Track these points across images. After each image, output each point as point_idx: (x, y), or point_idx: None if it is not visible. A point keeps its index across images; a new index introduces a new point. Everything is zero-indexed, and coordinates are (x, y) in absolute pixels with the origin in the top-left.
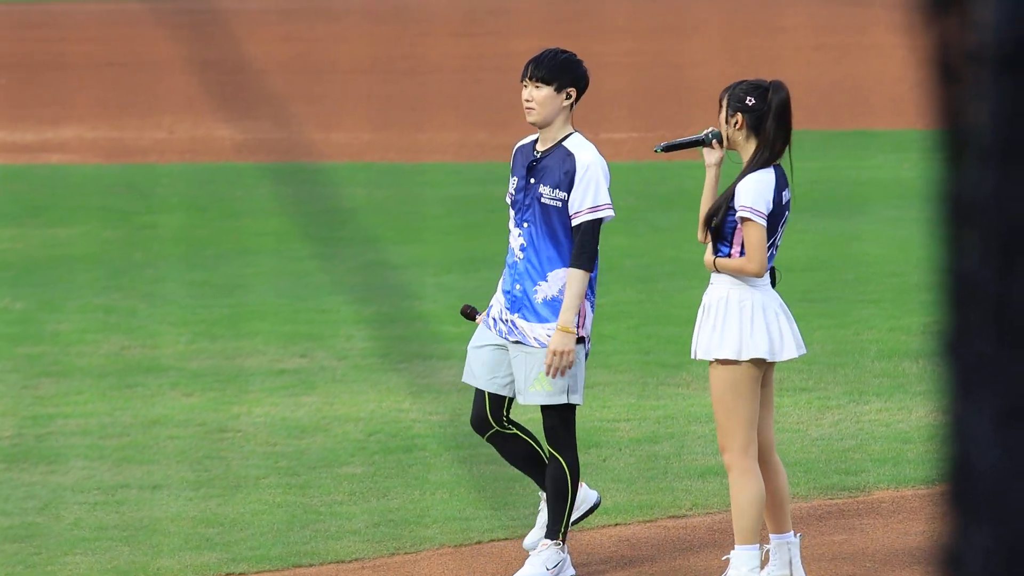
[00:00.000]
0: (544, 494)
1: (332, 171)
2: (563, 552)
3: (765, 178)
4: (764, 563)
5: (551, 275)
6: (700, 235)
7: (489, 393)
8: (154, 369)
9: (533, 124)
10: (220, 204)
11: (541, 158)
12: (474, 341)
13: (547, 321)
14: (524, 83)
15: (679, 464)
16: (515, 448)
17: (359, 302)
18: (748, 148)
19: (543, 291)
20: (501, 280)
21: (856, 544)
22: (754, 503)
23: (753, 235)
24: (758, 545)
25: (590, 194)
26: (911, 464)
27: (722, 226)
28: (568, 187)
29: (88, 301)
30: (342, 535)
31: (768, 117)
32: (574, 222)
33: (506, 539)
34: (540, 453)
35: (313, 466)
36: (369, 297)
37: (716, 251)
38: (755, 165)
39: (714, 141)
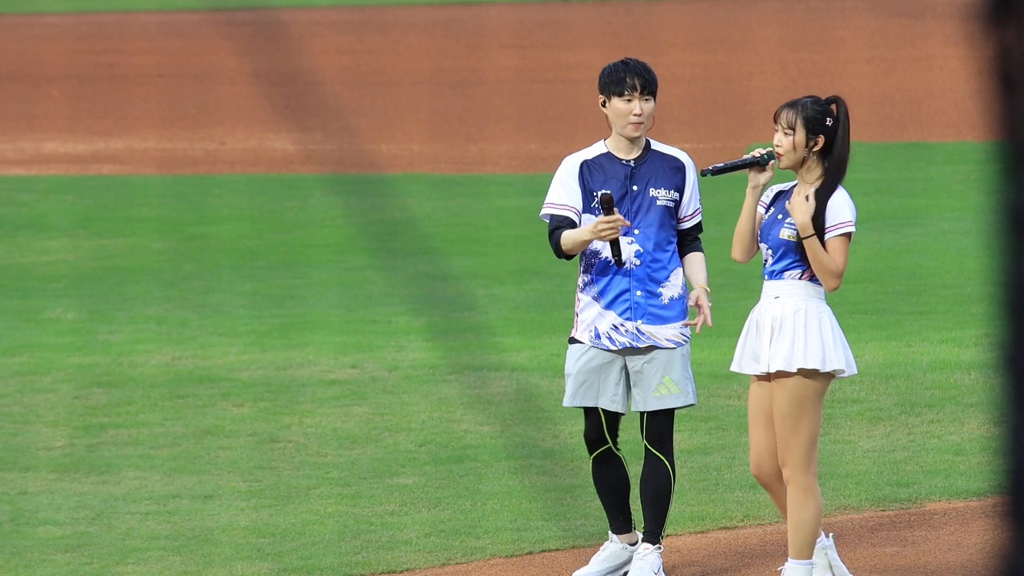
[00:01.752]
0: (614, 535)
1: (385, 182)
2: (662, 553)
3: (849, 195)
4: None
5: (673, 275)
6: (736, 253)
7: (606, 411)
8: (206, 379)
9: (635, 138)
10: (272, 215)
11: (637, 165)
12: (583, 364)
13: (676, 320)
14: (629, 96)
15: (730, 475)
16: (618, 472)
17: (411, 313)
18: (816, 168)
19: (668, 291)
20: (597, 295)
21: (908, 556)
22: (813, 519)
23: (846, 251)
24: (812, 561)
25: (696, 194)
26: (964, 476)
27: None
28: (680, 189)
29: (140, 312)
30: (394, 545)
31: (839, 134)
32: (688, 224)
33: (557, 549)
34: (628, 490)
35: (364, 476)
36: (421, 308)
37: (782, 268)
38: (835, 182)
39: (770, 162)
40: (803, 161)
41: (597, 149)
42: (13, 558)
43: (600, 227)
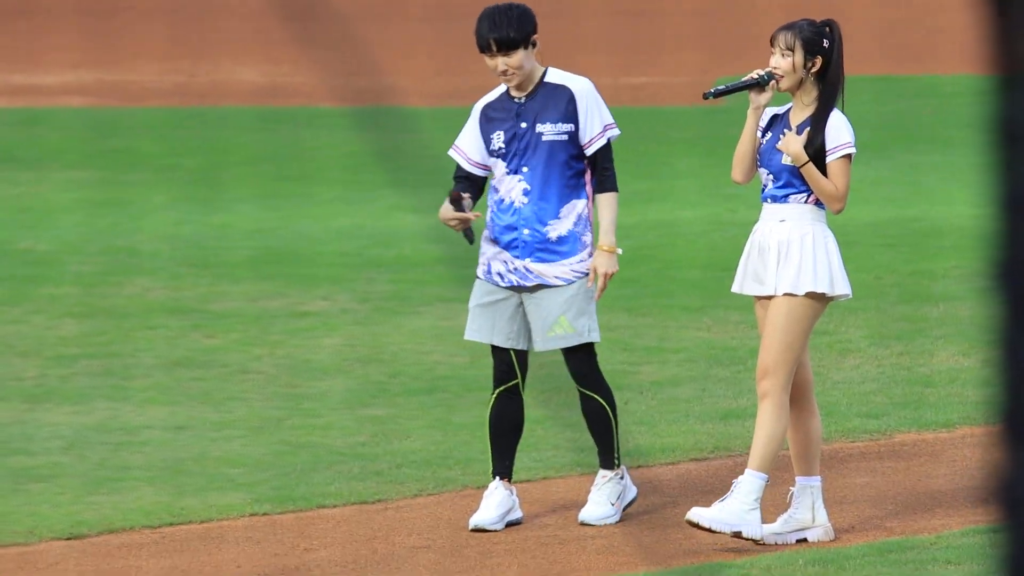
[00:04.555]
0: (499, 479)
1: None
2: (623, 479)
3: (847, 118)
4: (787, 506)
5: (563, 211)
6: (736, 175)
7: (513, 349)
8: (177, 311)
9: (518, 88)
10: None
11: (526, 102)
12: (479, 299)
13: (567, 257)
14: (489, 55)
15: (700, 407)
16: (516, 414)
17: (380, 246)
18: (813, 90)
19: (557, 228)
20: (489, 233)
21: (878, 487)
22: (781, 435)
23: (848, 172)
24: (767, 476)
25: (597, 117)
26: (932, 408)
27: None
28: (572, 118)
29: (111, 244)
30: (366, 476)
31: (834, 56)
32: (591, 149)
33: (529, 480)
34: (520, 435)
35: (336, 407)
36: (391, 240)
37: (786, 192)
38: (831, 104)
39: (770, 83)
40: (800, 83)
41: (499, 90)
42: None
43: (450, 223)
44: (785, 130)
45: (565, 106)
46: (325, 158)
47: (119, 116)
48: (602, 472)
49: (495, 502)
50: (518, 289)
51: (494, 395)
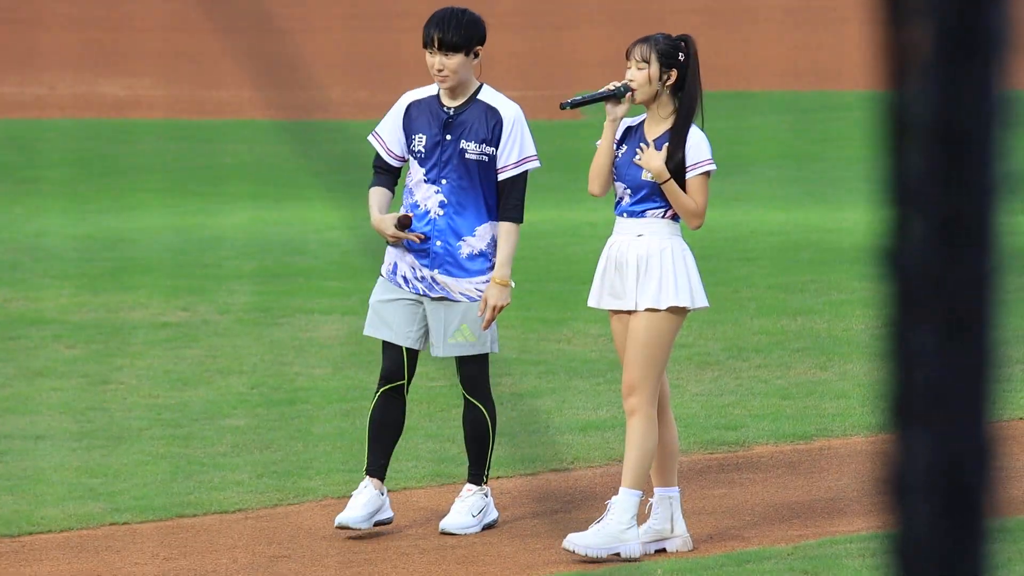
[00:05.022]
0: (370, 478)
1: (213, 128)
2: (487, 496)
3: (704, 134)
4: (645, 517)
5: (478, 230)
6: (595, 188)
7: (406, 348)
8: (38, 321)
9: (450, 94)
10: (103, 159)
11: (456, 114)
12: (380, 296)
13: (475, 275)
14: (430, 50)
15: (560, 418)
16: (398, 415)
17: (241, 257)
18: (669, 104)
19: (470, 246)
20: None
21: (736, 498)
22: (652, 450)
23: (707, 189)
24: (642, 493)
25: (517, 147)
26: (790, 420)
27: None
28: (496, 142)
29: None
30: (226, 486)
31: (690, 72)
32: (503, 176)
33: (390, 490)
34: (399, 436)
35: (196, 418)
36: (251, 252)
37: (643, 207)
38: (689, 119)
39: (627, 95)
40: (656, 96)
41: (430, 90)
42: None
43: (389, 239)
44: (642, 144)
45: (491, 129)
46: (182, 169)
47: None
48: (468, 486)
49: (363, 501)
50: (421, 296)
51: (378, 393)
